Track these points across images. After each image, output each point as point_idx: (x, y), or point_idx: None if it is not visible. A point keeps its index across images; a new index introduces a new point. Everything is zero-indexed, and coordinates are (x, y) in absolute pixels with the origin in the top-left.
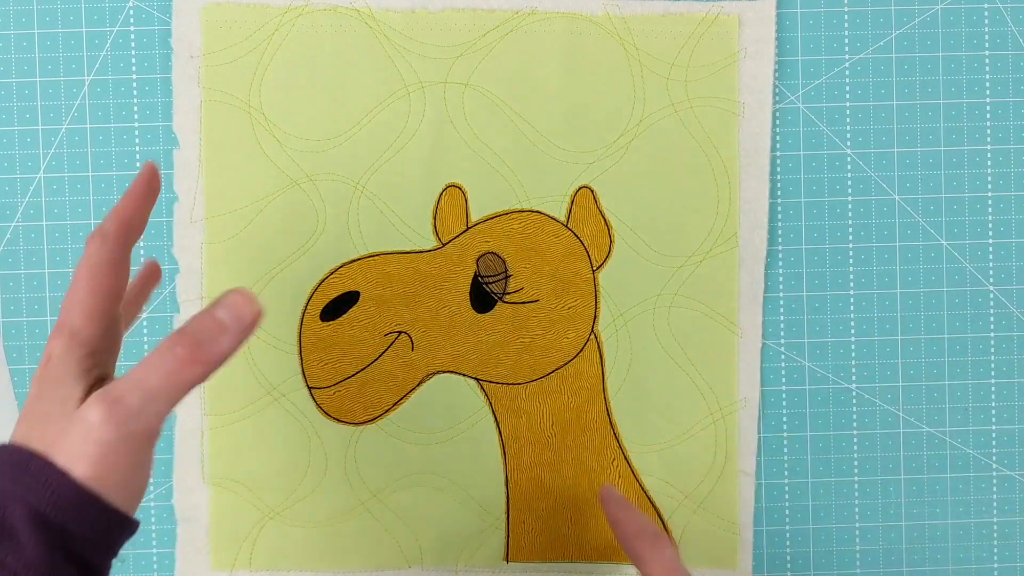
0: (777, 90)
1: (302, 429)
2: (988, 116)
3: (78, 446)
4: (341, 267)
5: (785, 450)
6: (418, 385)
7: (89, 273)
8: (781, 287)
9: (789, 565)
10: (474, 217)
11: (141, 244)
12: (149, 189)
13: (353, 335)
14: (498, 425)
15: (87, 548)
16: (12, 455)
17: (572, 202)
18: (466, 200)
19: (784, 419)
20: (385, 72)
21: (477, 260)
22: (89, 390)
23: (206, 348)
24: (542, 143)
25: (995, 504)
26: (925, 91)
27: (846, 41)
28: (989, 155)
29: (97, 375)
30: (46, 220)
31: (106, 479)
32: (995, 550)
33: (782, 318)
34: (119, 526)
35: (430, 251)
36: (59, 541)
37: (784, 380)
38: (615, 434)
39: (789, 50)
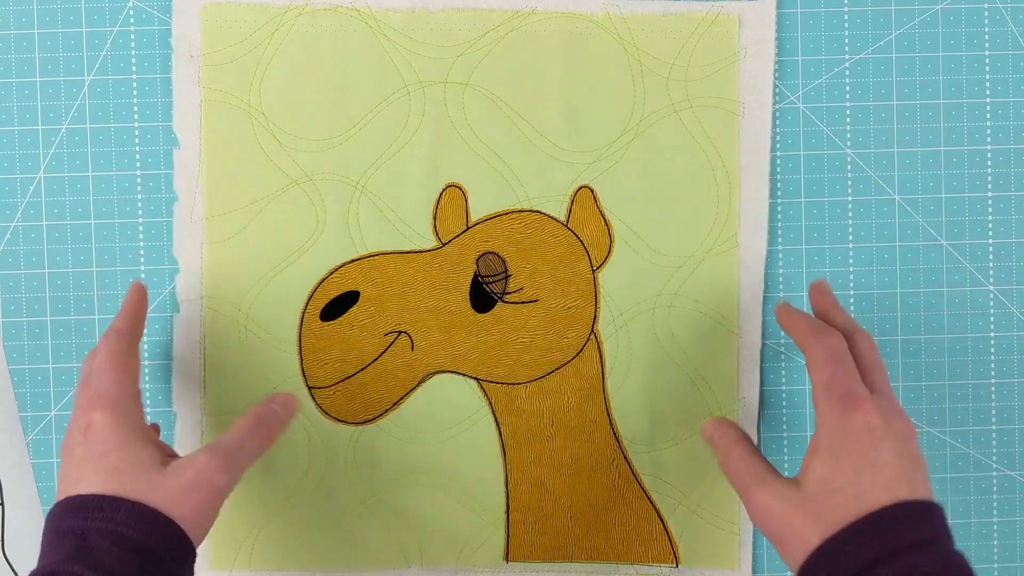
0: (777, 90)
1: (302, 429)
2: (988, 116)
3: (185, 492)
4: (341, 267)
5: (785, 450)
6: (418, 385)
7: (112, 360)
8: (781, 287)
9: None
10: (474, 217)
11: (141, 243)
12: (142, 301)
13: (353, 335)
14: (498, 425)
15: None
16: (82, 502)
17: (572, 202)
18: (466, 200)
19: (784, 419)
20: (385, 72)
21: (477, 260)
22: (152, 451)
23: (268, 425)
24: (542, 143)
25: (995, 504)
26: (925, 91)
27: (846, 41)
28: (989, 155)
29: (149, 438)
30: (46, 220)
31: (199, 520)
32: (995, 550)
33: None
34: (190, 555)
35: (430, 251)
36: (146, 558)
37: (784, 380)
38: (615, 434)
39: (789, 50)
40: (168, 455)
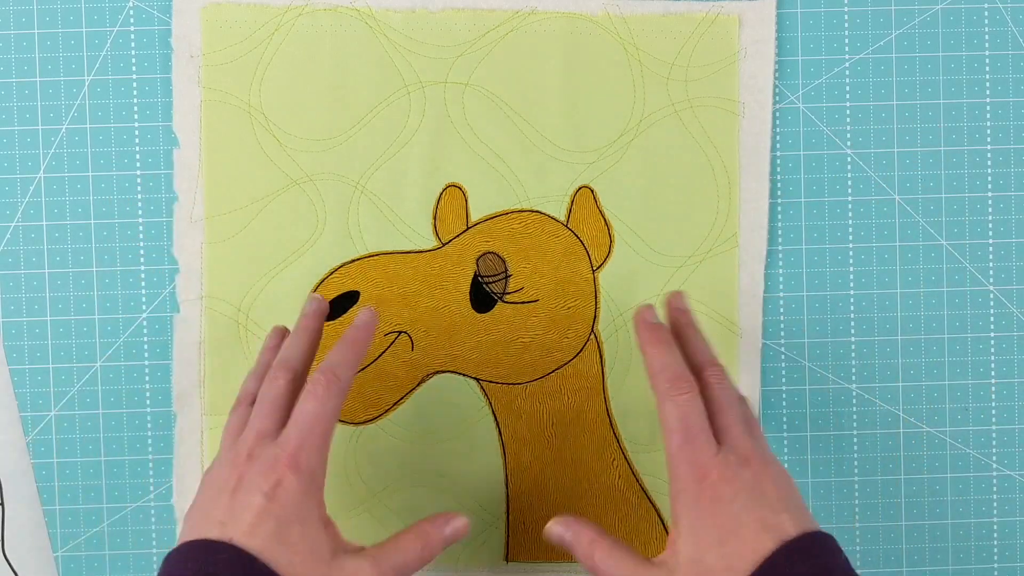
0: (777, 90)
1: None
2: (988, 116)
3: None
4: (341, 267)
5: (785, 450)
6: (418, 385)
7: (325, 421)
8: (781, 287)
9: None
10: (474, 217)
11: (141, 243)
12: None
13: None
14: (498, 425)
15: None
16: (251, 564)
17: (572, 202)
18: (466, 200)
19: (784, 419)
20: (385, 72)
21: (477, 260)
22: (328, 532)
23: (432, 547)
24: (542, 143)
25: (995, 504)
26: (925, 91)
27: (846, 41)
28: (989, 155)
29: (325, 516)
30: (46, 220)
31: None
32: (995, 550)
33: (782, 318)
34: None
35: (430, 251)
36: None
37: (784, 380)
38: (615, 434)
39: (789, 50)
40: (336, 541)
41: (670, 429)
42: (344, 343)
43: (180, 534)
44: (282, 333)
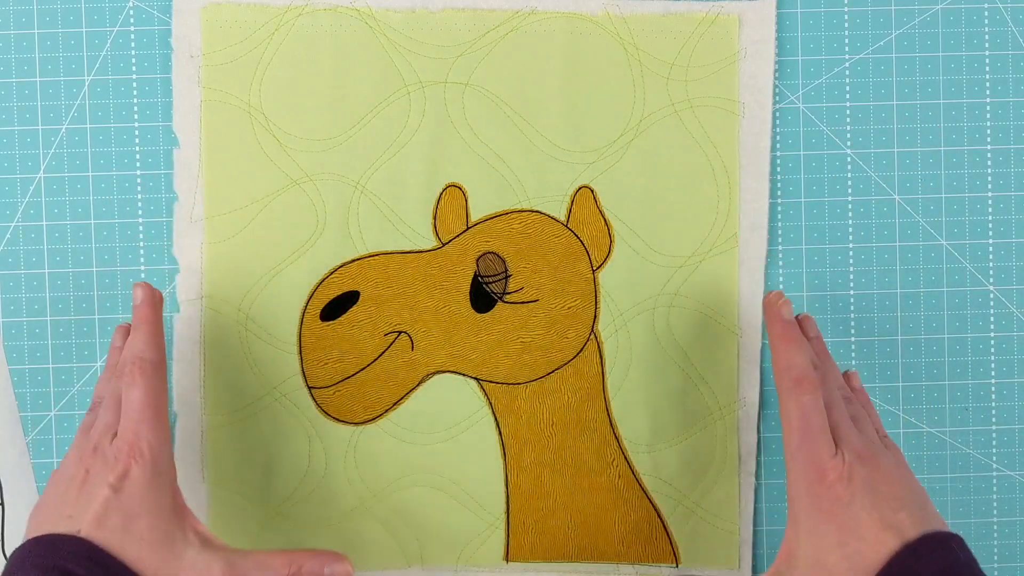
0: (777, 90)
1: (302, 429)
2: (988, 116)
3: None
4: (341, 267)
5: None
6: (418, 385)
7: (153, 403)
8: (781, 287)
9: None
10: (474, 217)
11: (141, 243)
12: (161, 317)
13: (353, 335)
14: (498, 425)
15: None
16: (99, 556)
17: (572, 202)
18: (466, 200)
19: None
20: (385, 72)
21: (477, 260)
22: (179, 523)
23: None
24: (542, 143)
25: (995, 504)
26: (925, 91)
27: (846, 41)
28: (989, 155)
29: (177, 504)
30: (46, 220)
31: None
32: (995, 550)
33: None
34: None
35: (430, 251)
36: None
37: None
38: (615, 434)
39: (789, 50)
40: (191, 532)
41: (790, 428)
42: (135, 326)
43: (27, 531)
44: (126, 331)
